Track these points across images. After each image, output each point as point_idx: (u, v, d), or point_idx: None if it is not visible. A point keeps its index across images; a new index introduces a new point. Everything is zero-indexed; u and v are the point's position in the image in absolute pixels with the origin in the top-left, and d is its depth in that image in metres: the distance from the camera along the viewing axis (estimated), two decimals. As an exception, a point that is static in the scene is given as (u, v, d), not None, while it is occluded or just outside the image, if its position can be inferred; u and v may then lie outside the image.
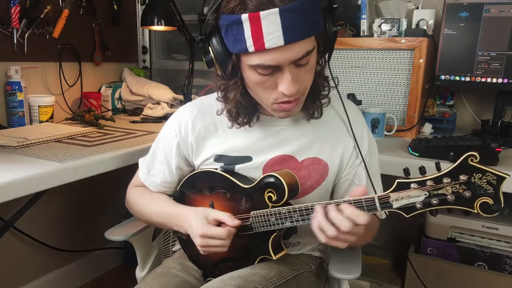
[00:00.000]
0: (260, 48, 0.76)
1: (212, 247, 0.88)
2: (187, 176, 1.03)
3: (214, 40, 0.83)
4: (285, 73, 0.80)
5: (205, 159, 0.99)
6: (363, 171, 0.98)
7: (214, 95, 0.99)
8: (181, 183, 1.05)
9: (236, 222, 0.89)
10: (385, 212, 0.95)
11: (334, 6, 0.83)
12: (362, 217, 0.74)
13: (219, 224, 0.90)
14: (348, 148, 0.97)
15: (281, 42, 0.75)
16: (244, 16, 0.75)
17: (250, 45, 0.77)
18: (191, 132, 0.99)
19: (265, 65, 0.79)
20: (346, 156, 0.97)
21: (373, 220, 0.99)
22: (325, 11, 0.83)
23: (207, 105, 1.01)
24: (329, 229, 0.77)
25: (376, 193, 0.77)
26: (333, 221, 0.76)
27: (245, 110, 0.92)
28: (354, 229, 0.76)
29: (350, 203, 0.78)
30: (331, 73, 0.93)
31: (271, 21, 0.74)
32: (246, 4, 0.75)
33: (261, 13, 0.74)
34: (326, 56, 0.90)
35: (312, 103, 0.93)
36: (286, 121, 0.97)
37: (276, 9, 0.73)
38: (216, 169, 0.98)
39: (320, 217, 0.78)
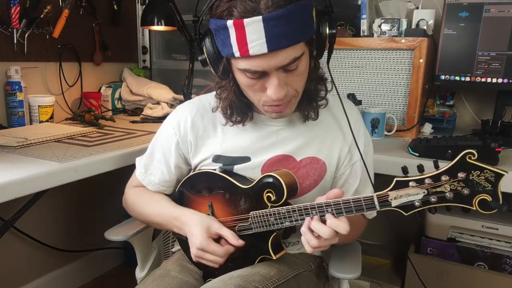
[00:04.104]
0: (244, 54, 0.77)
1: (205, 260, 0.90)
2: (186, 177, 1.03)
3: (207, 41, 0.84)
4: (272, 78, 0.81)
5: (203, 159, 1.00)
6: (358, 171, 0.98)
7: (213, 94, 0.99)
8: (180, 184, 1.05)
9: (240, 242, 0.89)
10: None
11: (330, 9, 0.83)
12: (343, 227, 0.78)
13: (220, 237, 0.90)
14: (344, 147, 0.98)
15: (264, 49, 0.75)
16: (230, 22, 0.75)
17: (236, 51, 0.78)
18: (191, 131, 0.99)
19: (252, 70, 0.80)
20: (342, 155, 0.98)
21: (359, 219, 1.00)
22: (319, 14, 0.82)
23: (206, 104, 1.02)
24: (311, 239, 0.80)
25: (374, 193, 0.77)
26: (315, 231, 0.80)
27: (238, 109, 0.93)
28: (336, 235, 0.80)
29: (351, 204, 0.78)
30: (330, 74, 0.92)
31: (254, 29, 0.74)
32: (232, 10, 0.75)
33: (245, 20, 0.74)
34: (325, 57, 0.90)
35: (308, 104, 0.93)
36: (283, 122, 0.97)
37: (260, 17, 0.73)
38: (215, 169, 0.98)
39: (304, 229, 0.82)
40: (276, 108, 0.86)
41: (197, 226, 0.91)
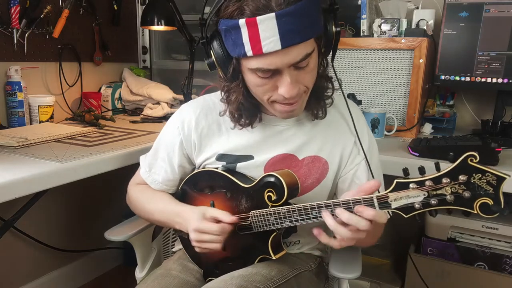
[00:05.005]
0: (258, 52, 0.77)
1: (205, 242, 0.89)
2: (189, 176, 1.03)
3: (215, 44, 0.84)
4: (284, 76, 0.81)
5: (207, 158, 1.00)
6: (364, 170, 0.97)
7: (217, 93, 0.99)
8: (182, 182, 1.05)
9: (232, 218, 0.88)
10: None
11: (336, 6, 0.83)
12: (383, 217, 0.75)
13: (217, 222, 0.90)
14: (347, 145, 0.98)
15: (278, 46, 0.75)
16: (242, 21, 0.75)
17: (248, 50, 0.77)
18: (195, 130, 0.99)
19: (264, 69, 0.79)
20: (345, 154, 0.98)
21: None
22: (325, 12, 0.82)
23: (210, 104, 1.02)
24: (345, 232, 0.77)
25: (379, 191, 0.77)
26: (349, 223, 0.76)
27: (247, 111, 0.93)
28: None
29: (351, 204, 0.78)
30: (335, 73, 0.93)
31: (267, 26, 0.74)
32: (243, 9, 0.75)
33: (258, 18, 0.74)
34: (329, 56, 0.90)
35: (316, 103, 0.93)
36: (289, 121, 0.97)
37: (273, 14, 0.73)
38: (217, 168, 0.98)
39: (333, 223, 0.77)
40: (287, 107, 0.86)
41: (194, 214, 0.91)
